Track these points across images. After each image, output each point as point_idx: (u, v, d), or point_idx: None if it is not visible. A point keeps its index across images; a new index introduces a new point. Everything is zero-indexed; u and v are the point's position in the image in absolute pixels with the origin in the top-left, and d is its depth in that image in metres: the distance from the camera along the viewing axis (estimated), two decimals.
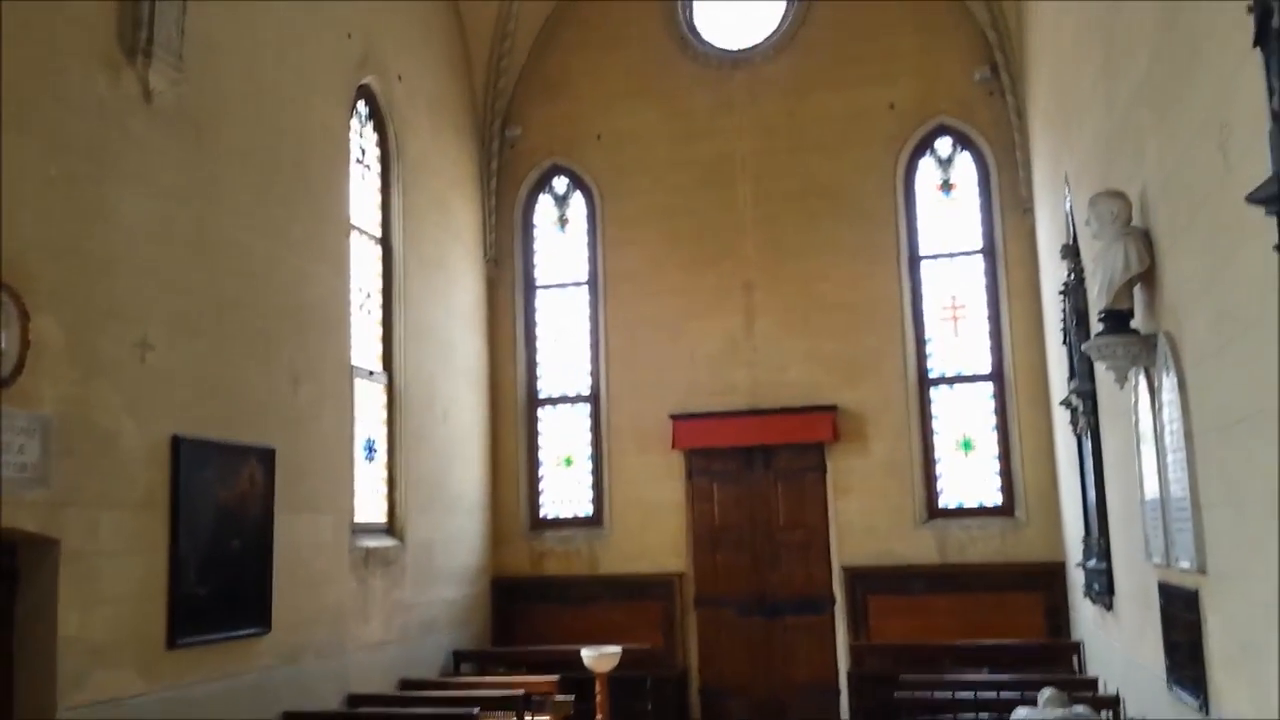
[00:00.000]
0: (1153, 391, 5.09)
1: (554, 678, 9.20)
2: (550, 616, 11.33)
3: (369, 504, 9.43)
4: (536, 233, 12.40)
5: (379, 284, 9.98)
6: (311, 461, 8.19)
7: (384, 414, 9.83)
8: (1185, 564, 4.59)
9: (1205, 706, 4.49)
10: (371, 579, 9.07)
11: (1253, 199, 3.06)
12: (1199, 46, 3.99)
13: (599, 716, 8.96)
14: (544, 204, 12.40)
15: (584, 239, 12.19)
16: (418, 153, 10.58)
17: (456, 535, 10.84)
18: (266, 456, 7.52)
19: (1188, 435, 4.44)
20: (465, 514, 11.10)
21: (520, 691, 8.28)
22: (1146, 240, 5.04)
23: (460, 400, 11.16)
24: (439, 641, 10.30)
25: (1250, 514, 3.72)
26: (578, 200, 12.27)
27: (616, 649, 9.15)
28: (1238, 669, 4.05)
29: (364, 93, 9.79)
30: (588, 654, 9.04)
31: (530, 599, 11.49)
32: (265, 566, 7.47)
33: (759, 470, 11.28)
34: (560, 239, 12.34)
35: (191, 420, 6.80)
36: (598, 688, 9.00)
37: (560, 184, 12.33)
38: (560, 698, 8.97)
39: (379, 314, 9.94)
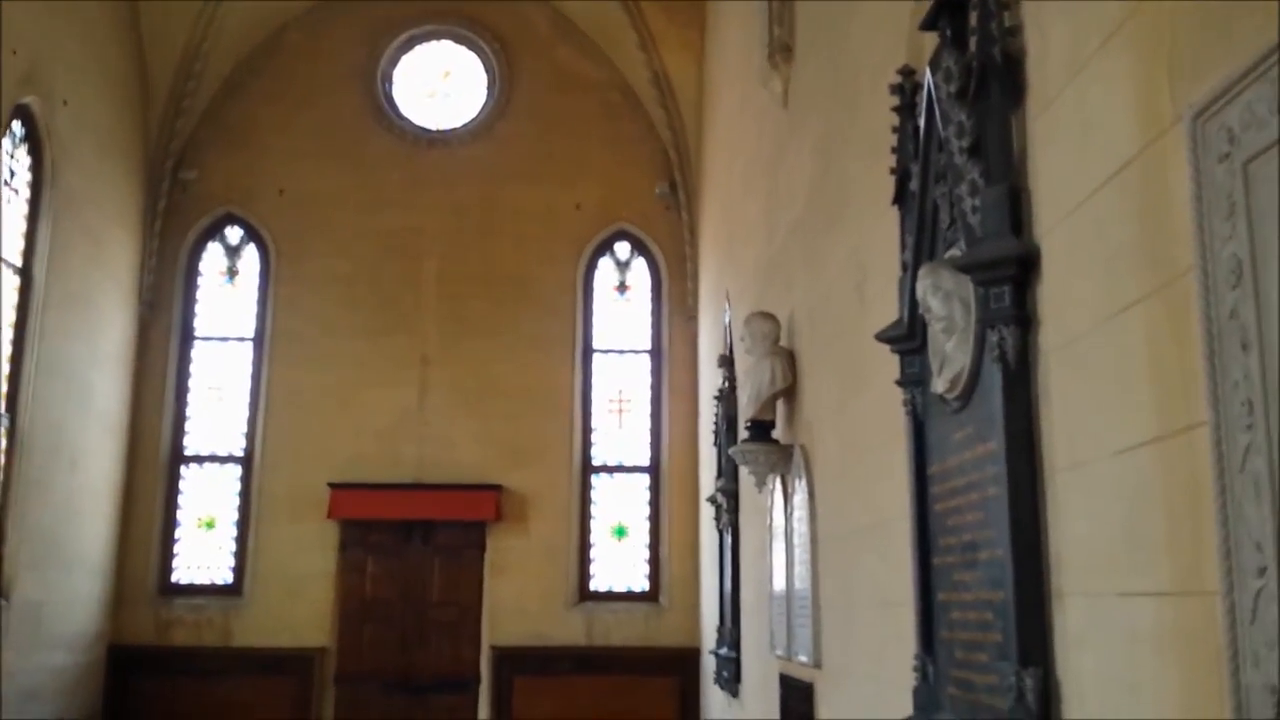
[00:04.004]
0: (786, 496, 5.64)
1: None
2: (173, 690, 10.46)
3: None
4: (201, 281, 11.72)
5: (12, 316, 9.06)
6: None
7: (1, 458, 8.85)
8: (804, 658, 5.07)
9: None
10: None
11: (881, 337, 3.56)
12: (848, 197, 4.58)
13: None
14: (213, 253, 11.78)
15: (254, 294, 11.66)
16: (76, 182, 9.78)
17: (73, 596, 9.86)
18: None
19: (813, 540, 4.95)
20: (86, 574, 10.12)
21: None
22: (791, 360, 5.62)
23: (93, 449, 10.24)
24: (41, 712, 9.22)
25: (858, 616, 4.20)
26: (251, 253, 11.76)
27: None
28: None
29: (22, 113, 8.98)
30: None
31: (153, 671, 10.55)
32: None
33: (417, 545, 11.14)
34: (228, 291, 11.73)
35: None
36: None
37: (234, 234, 11.78)
38: None
39: (8, 349, 9.00)
